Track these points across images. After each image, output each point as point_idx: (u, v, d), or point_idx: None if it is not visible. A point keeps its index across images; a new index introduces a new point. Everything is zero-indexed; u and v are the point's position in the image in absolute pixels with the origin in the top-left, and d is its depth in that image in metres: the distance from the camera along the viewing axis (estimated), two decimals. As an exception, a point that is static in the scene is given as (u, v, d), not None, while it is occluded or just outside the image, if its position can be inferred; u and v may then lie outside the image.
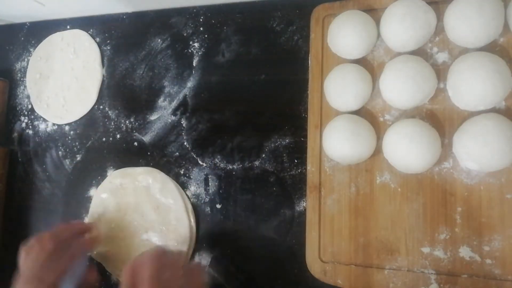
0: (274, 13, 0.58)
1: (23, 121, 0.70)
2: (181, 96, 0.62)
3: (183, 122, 0.61)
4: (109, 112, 0.65)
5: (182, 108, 0.61)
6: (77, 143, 0.66)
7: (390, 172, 0.49)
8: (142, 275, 0.43)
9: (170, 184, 0.58)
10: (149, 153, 0.62)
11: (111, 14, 0.68)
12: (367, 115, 0.51)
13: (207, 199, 0.58)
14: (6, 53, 0.73)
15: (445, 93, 0.48)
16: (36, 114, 0.70)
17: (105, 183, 0.62)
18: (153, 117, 0.63)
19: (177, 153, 0.61)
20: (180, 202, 0.57)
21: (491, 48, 0.46)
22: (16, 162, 0.70)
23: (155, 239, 0.58)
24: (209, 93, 0.60)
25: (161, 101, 0.63)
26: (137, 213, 0.59)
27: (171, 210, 0.57)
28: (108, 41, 0.67)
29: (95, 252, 0.60)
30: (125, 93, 0.65)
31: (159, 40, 0.64)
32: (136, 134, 0.63)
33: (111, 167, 0.63)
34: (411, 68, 0.46)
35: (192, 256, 0.57)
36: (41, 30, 0.72)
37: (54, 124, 0.68)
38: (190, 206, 0.58)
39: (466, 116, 0.47)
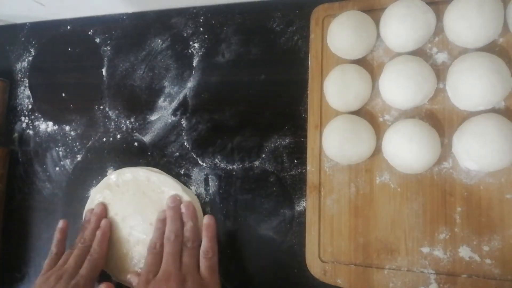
0: (274, 14, 0.59)
1: (24, 121, 0.71)
2: (181, 96, 0.62)
3: (183, 122, 0.61)
4: (109, 112, 0.65)
5: (182, 108, 0.61)
6: (77, 143, 0.66)
7: (390, 172, 0.49)
8: None
9: (173, 183, 0.58)
10: (149, 153, 0.62)
11: (111, 15, 0.68)
12: (366, 115, 0.51)
13: (207, 199, 0.58)
14: (7, 53, 0.73)
15: (445, 93, 0.48)
16: (36, 114, 0.70)
17: (102, 183, 0.61)
18: (153, 117, 0.63)
19: (177, 153, 0.61)
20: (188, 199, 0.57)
21: (491, 48, 0.46)
22: (16, 162, 0.70)
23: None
24: (209, 93, 0.61)
25: (161, 102, 0.63)
26: (137, 214, 0.59)
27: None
28: (109, 42, 0.67)
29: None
30: (125, 93, 0.65)
31: (159, 40, 0.64)
32: (137, 134, 0.63)
33: (112, 167, 0.63)
34: (411, 69, 0.46)
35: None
36: (41, 30, 0.72)
37: (54, 124, 0.68)
38: (198, 206, 0.58)
39: (466, 116, 0.47)
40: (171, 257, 0.50)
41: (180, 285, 0.47)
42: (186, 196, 0.57)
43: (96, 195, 0.61)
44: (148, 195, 0.58)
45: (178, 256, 0.50)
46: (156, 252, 0.52)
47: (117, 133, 0.64)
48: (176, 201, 0.56)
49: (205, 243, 0.52)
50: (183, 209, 0.55)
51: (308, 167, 0.53)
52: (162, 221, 0.55)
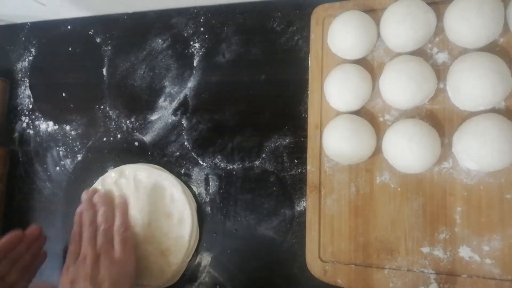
0: (275, 14, 0.59)
1: (24, 121, 0.71)
2: (181, 96, 0.62)
3: (184, 122, 0.61)
4: (110, 112, 0.65)
5: (183, 108, 0.62)
6: (77, 143, 0.67)
7: (390, 172, 0.49)
8: None
9: (172, 179, 0.58)
10: (149, 153, 0.62)
11: (112, 14, 0.68)
12: (367, 115, 0.51)
13: (207, 199, 0.59)
14: (7, 53, 0.73)
15: (445, 93, 0.48)
16: (37, 114, 0.70)
17: (101, 181, 0.61)
18: (154, 117, 0.63)
19: (178, 153, 0.61)
20: (183, 198, 0.57)
21: (491, 48, 0.46)
22: (17, 162, 0.70)
23: (155, 236, 0.58)
24: (209, 93, 0.61)
25: (161, 101, 0.63)
26: (134, 210, 0.59)
27: (172, 206, 0.57)
28: (109, 41, 0.67)
29: None
30: (125, 93, 0.65)
31: (160, 40, 0.64)
32: (137, 134, 0.63)
33: (112, 167, 0.63)
34: (411, 69, 0.46)
35: (193, 256, 0.58)
36: (42, 30, 0.72)
37: (55, 124, 0.68)
38: (194, 204, 0.58)
39: (466, 116, 0.47)
40: (87, 241, 0.53)
41: (94, 263, 0.51)
42: (177, 188, 0.57)
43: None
44: (147, 193, 0.58)
45: (93, 240, 0.54)
46: (75, 240, 0.55)
47: (117, 132, 0.64)
48: (89, 193, 0.58)
49: (117, 221, 0.55)
50: (96, 199, 0.57)
51: (308, 167, 0.53)
52: (79, 214, 0.57)
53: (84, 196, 0.58)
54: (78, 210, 0.57)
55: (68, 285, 0.50)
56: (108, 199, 0.57)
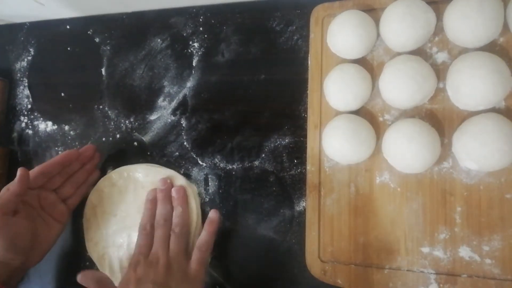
0: (274, 13, 0.58)
1: (23, 121, 0.70)
2: (180, 96, 0.62)
3: (183, 122, 0.61)
4: (109, 112, 0.65)
5: (182, 108, 0.61)
6: (77, 143, 0.66)
7: (390, 172, 0.49)
8: None
9: (176, 174, 0.58)
10: (149, 153, 0.62)
11: (111, 14, 0.68)
12: (366, 115, 0.51)
13: (207, 199, 0.58)
14: (6, 53, 0.73)
15: (445, 93, 0.48)
16: (35, 114, 0.70)
17: (101, 182, 0.61)
18: (153, 117, 0.63)
19: (177, 153, 0.61)
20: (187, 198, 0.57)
21: (491, 48, 0.46)
22: (16, 162, 0.70)
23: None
24: (208, 93, 0.61)
25: (160, 101, 0.63)
26: (136, 212, 0.59)
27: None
28: (108, 41, 0.67)
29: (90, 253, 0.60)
30: (124, 93, 0.65)
31: (159, 40, 0.64)
32: (136, 134, 0.63)
33: (111, 167, 0.63)
34: (411, 68, 0.46)
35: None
36: (40, 30, 0.72)
37: (53, 124, 0.68)
38: (197, 201, 0.58)
39: (466, 116, 0.47)
40: (161, 241, 0.52)
41: (166, 271, 0.50)
42: (179, 180, 0.57)
43: (93, 195, 0.61)
44: (146, 193, 0.58)
45: (167, 241, 0.52)
46: (147, 233, 0.54)
47: (116, 132, 0.64)
48: (167, 184, 0.57)
49: (203, 236, 0.54)
50: (174, 193, 0.56)
51: (308, 167, 0.53)
52: (152, 202, 0.56)
53: (161, 185, 0.56)
54: (151, 195, 0.56)
55: (134, 282, 0.48)
56: (185, 197, 0.56)
